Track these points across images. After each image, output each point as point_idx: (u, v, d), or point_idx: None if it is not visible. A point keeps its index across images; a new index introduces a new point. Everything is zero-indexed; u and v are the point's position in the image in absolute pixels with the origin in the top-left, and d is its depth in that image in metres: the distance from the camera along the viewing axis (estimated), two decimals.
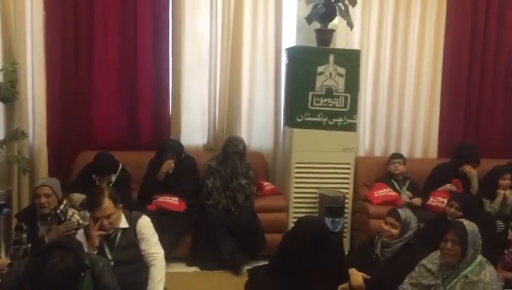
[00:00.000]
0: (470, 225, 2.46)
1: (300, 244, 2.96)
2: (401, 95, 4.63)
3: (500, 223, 3.70)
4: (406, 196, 4.13)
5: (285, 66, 4.37)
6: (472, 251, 2.40)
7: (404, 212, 2.99)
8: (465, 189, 4.05)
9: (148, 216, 2.72)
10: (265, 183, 4.21)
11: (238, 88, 4.39)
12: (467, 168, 4.01)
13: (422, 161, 4.59)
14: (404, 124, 4.66)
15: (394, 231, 2.92)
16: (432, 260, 2.55)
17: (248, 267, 3.62)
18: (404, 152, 4.58)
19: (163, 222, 3.53)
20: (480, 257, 2.45)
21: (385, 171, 4.35)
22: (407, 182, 4.26)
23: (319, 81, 4.04)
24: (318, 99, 4.05)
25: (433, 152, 4.68)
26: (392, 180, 4.25)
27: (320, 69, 4.03)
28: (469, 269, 2.40)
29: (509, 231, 3.39)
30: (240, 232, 3.72)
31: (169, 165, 3.83)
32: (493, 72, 4.64)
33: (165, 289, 2.61)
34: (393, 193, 4.07)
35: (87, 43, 4.11)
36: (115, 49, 4.16)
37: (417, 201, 4.04)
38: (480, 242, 2.45)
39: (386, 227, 2.95)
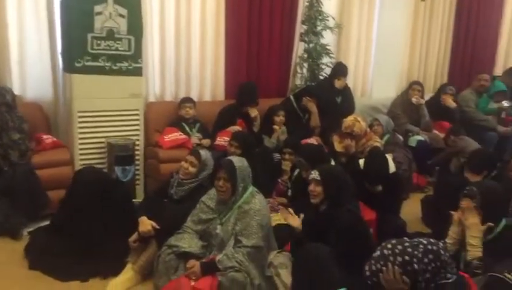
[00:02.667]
0: (238, 161, 2.64)
1: (80, 197, 2.79)
2: (187, 39, 4.62)
3: (277, 155, 4.13)
4: (195, 138, 4.26)
5: (59, 4, 3.90)
6: (242, 184, 2.60)
7: (205, 153, 3.10)
8: (249, 128, 4.39)
9: None
10: (45, 136, 3.81)
11: (1, 31, 3.77)
12: (249, 109, 4.33)
13: (211, 103, 4.76)
14: (192, 68, 4.70)
15: (192, 169, 3.01)
16: (210, 196, 2.69)
17: (29, 230, 3.30)
18: (194, 96, 4.67)
19: None
20: (251, 188, 2.66)
21: (176, 116, 4.39)
22: (197, 125, 4.39)
23: (98, 22, 3.72)
24: (99, 42, 3.75)
25: (220, 94, 4.89)
26: (183, 124, 4.31)
27: (98, 8, 3.70)
28: (242, 200, 2.60)
29: (282, 161, 3.80)
30: (16, 192, 3.31)
31: None
32: (269, 19, 4.96)
33: None
34: (183, 136, 4.15)
35: None
36: None
37: (206, 142, 4.21)
38: (250, 175, 2.67)
39: (186, 165, 3.01)
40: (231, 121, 4.37)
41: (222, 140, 4.10)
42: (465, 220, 2.40)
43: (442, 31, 6.17)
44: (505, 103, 5.23)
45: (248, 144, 3.60)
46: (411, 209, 3.78)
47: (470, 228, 2.37)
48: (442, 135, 4.96)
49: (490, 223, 2.38)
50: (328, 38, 5.27)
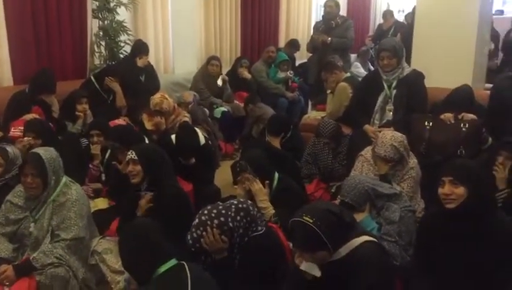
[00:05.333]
0: (46, 153, 2.45)
1: None
2: None
3: (84, 141, 3.92)
4: None
5: None
6: (54, 177, 2.43)
7: (12, 150, 2.76)
8: (48, 115, 4.04)
9: None
10: None
11: None
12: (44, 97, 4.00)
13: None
14: None
15: None
16: (17, 194, 2.46)
17: None
18: None
19: None
20: (64, 179, 2.51)
21: None
22: None
23: None
24: None
25: (8, 80, 4.33)
26: None
27: None
28: (55, 193, 2.43)
29: (91, 145, 3.64)
30: None
31: None
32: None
33: None
34: None
35: None
36: None
37: None
38: (62, 165, 2.50)
39: None
40: (25, 108, 3.93)
41: (18, 130, 3.64)
42: (252, 188, 2.66)
43: (231, 8, 6.63)
44: (289, 73, 5.98)
45: (46, 131, 3.32)
46: (223, 176, 4.07)
47: (257, 194, 2.65)
48: (242, 105, 5.43)
49: (267, 181, 2.72)
50: (123, 15, 5.14)
